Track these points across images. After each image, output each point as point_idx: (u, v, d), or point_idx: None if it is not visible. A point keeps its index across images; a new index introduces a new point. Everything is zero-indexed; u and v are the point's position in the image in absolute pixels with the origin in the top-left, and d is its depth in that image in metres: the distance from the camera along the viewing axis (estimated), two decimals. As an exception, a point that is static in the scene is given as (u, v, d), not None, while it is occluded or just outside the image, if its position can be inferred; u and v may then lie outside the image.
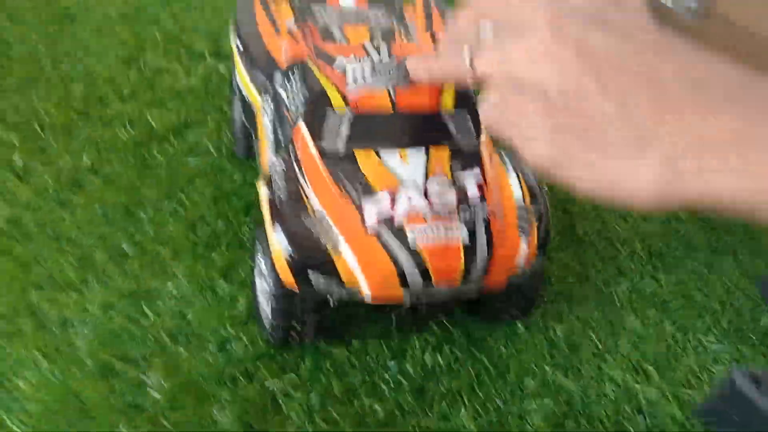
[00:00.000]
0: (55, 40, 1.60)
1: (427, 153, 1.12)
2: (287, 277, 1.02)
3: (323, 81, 1.13)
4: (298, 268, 1.01)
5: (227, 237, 1.28)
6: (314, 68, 1.14)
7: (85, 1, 1.74)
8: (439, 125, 1.16)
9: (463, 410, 1.10)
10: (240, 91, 1.32)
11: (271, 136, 1.19)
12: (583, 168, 0.46)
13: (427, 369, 1.15)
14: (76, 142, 1.38)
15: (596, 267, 1.38)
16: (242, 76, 1.29)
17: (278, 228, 1.02)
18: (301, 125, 1.12)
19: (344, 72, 1.14)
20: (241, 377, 1.08)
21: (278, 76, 1.20)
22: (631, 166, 0.38)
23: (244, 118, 1.33)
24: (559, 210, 1.48)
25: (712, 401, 1.12)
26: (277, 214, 1.04)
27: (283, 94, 1.18)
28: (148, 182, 1.34)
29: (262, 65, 1.24)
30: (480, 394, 1.14)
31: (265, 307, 1.12)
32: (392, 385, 1.12)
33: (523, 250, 1.09)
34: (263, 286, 1.12)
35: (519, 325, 1.25)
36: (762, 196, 0.31)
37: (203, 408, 1.03)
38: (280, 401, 1.05)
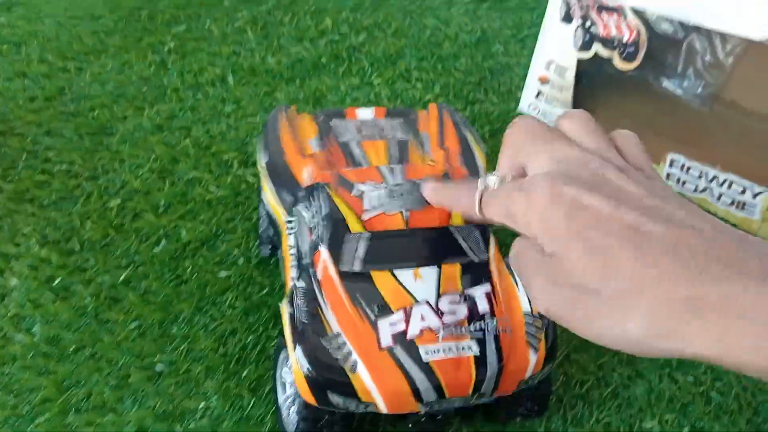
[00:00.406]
0: (93, 154, 1.71)
1: (439, 270, 1.19)
2: (307, 395, 1.07)
3: (342, 207, 1.21)
4: (317, 387, 1.06)
5: (256, 351, 1.34)
6: (333, 194, 1.22)
7: (122, 111, 1.85)
8: (450, 241, 1.23)
9: None
10: (265, 206, 1.40)
11: (294, 255, 1.26)
12: (577, 322, 0.51)
13: (449, 485, 1.19)
14: (113, 257, 1.47)
15: (615, 369, 1.41)
16: (267, 192, 1.37)
17: (299, 348, 1.08)
18: (322, 249, 1.19)
19: (361, 196, 1.22)
20: (270, 497, 1.12)
21: (300, 197, 1.28)
22: (619, 325, 0.43)
23: (269, 227, 1.41)
24: (575, 308, 1.52)
25: None
26: (297, 334, 1.10)
27: (305, 215, 1.26)
28: (181, 296, 1.41)
29: (287, 185, 1.32)
30: (502, 508, 1.16)
31: (286, 417, 1.18)
32: (416, 502, 1.15)
33: (531, 362, 1.14)
34: (285, 396, 1.18)
35: (539, 430, 1.28)
36: (740, 359, 0.33)
37: None
38: None
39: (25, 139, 1.73)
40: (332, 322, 1.12)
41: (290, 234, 1.29)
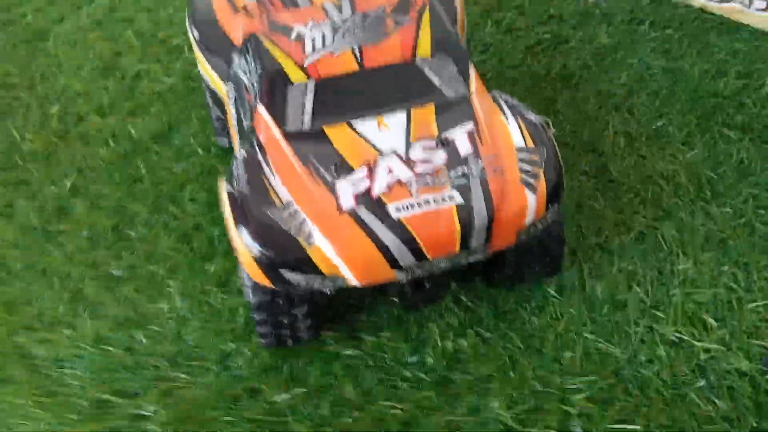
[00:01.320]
0: (29, 63, 1.54)
1: (409, 114, 1.00)
2: (260, 277, 0.92)
3: (278, 55, 1.01)
4: (270, 266, 0.91)
5: (224, 243, 1.18)
6: (267, 43, 1.02)
7: (58, 12, 1.66)
8: (418, 77, 1.03)
9: (494, 399, 0.98)
10: (208, 85, 1.22)
11: (236, 125, 1.08)
12: None
13: (451, 357, 1.04)
14: (58, 167, 1.32)
15: (637, 210, 1.21)
16: (203, 66, 1.19)
17: (242, 226, 0.92)
18: (260, 108, 1.01)
19: (301, 40, 1.03)
20: (245, 395, 0.99)
21: (235, 58, 1.09)
22: None
23: (218, 110, 1.23)
24: (587, 151, 1.32)
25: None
26: (239, 211, 0.94)
27: (243, 77, 1.06)
28: (136, 197, 1.27)
29: (221, 49, 1.13)
30: (514, 376, 1.01)
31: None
32: (413, 382, 1.01)
33: (530, 203, 0.96)
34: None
35: (550, 288, 1.11)
36: None
37: (208, 435, 0.96)
38: (288, 417, 0.96)
39: (-45, 55, 1.56)
40: (281, 190, 0.95)
41: (231, 103, 1.11)
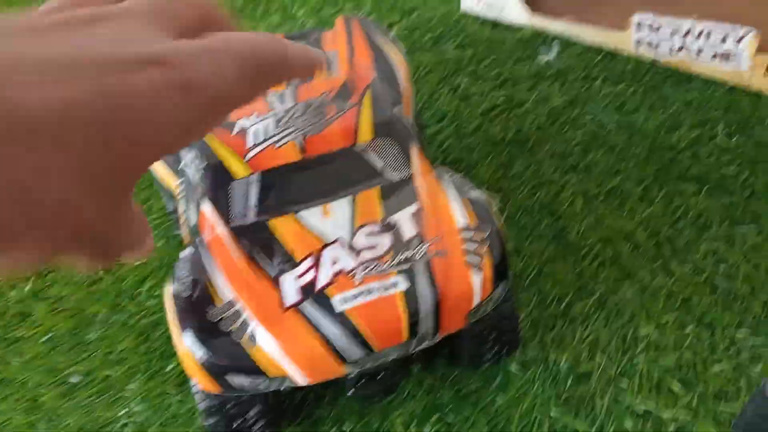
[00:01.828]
0: None
1: (353, 200, 0.99)
2: (206, 383, 0.90)
3: (220, 150, 1.02)
4: (213, 371, 0.89)
5: (181, 338, 1.17)
6: (209, 138, 1.03)
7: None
8: (361, 162, 1.03)
9: (459, 489, 0.95)
10: (159, 183, 1.22)
11: (184, 226, 1.08)
12: None
13: (414, 444, 1.01)
14: (18, 270, 1.31)
15: (597, 274, 1.20)
16: (155, 165, 1.19)
17: (183, 330, 0.91)
18: (204, 205, 1.01)
19: (244, 134, 1.03)
20: (204, 505, 0.97)
21: (184, 154, 1.10)
22: None
23: (171, 205, 1.23)
24: (546, 214, 1.31)
25: (747, 415, 0.92)
26: (182, 315, 0.92)
27: (189, 173, 1.07)
28: (95, 297, 1.25)
29: None
30: (479, 462, 0.99)
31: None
32: (375, 477, 0.98)
33: (476, 284, 0.94)
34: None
35: (513, 364, 1.09)
36: None
37: None
38: None
39: None
40: (223, 289, 0.94)
41: (181, 199, 1.11)
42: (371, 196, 1.01)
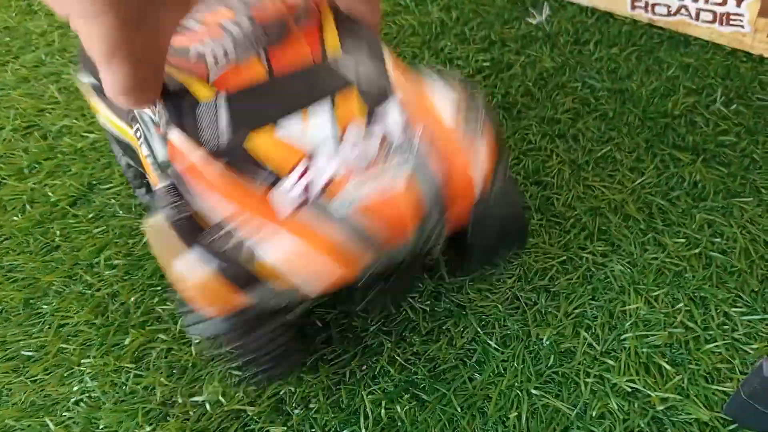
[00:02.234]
0: (-52, 127, 1.46)
1: (333, 100, 0.90)
2: (217, 303, 0.83)
3: (179, 76, 0.93)
4: (227, 284, 0.81)
5: (139, 312, 1.10)
6: (168, 69, 0.94)
7: (-17, 72, 1.59)
8: (332, 74, 0.94)
9: (431, 473, 0.89)
10: (112, 134, 1.14)
11: (154, 164, 0.99)
12: None
13: (386, 426, 0.94)
14: (-30, 238, 1.23)
15: (584, 246, 1.13)
16: (103, 113, 1.10)
17: (193, 248, 0.83)
18: (172, 135, 0.91)
19: (202, 57, 0.94)
20: (158, 488, 0.90)
21: None
22: None
23: (127, 157, 1.15)
24: (531, 183, 1.23)
25: (741, 396, 0.86)
26: (184, 234, 0.84)
27: (148, 113, 0.98)
28: (50, 267, 1.18)
29: None
30: (454, 444, 0.92)
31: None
32: (341, 459, 0.92)
33: (476, 171, 0.86)
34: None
35: (492, 341, 1.02)
36: None
37: None
38: None
39: None
40: (209, 213, 0.85)
41: (141, 143, 1.02)
42: (350, 94, 0.91)
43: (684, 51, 1.45)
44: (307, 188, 0.84)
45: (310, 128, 0.89)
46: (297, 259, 0.82)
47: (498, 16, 1.59)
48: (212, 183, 0.88)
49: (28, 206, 1.28)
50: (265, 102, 0.91)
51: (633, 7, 1.52)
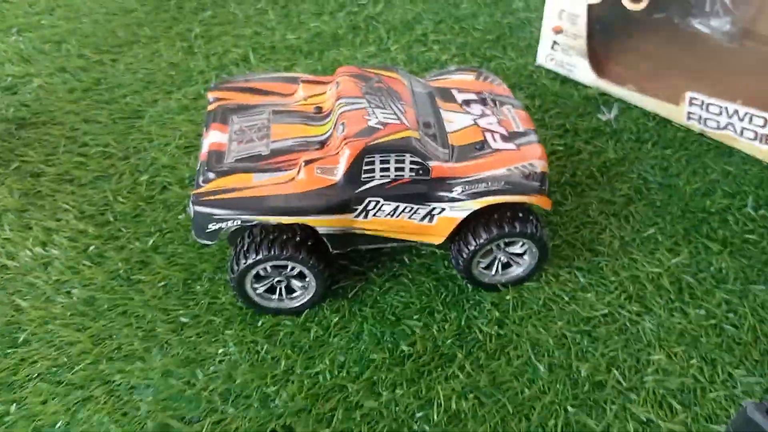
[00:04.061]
0: (125, 136, 1.84)
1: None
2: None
3: None
4: None
5: (271, 302, 1.42)
6: None
7: (152, 96, 1.98)
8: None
9: (485, 453, 1.18)
10: None
11: None
12: None
13: (453, 415, 1.24)
14: (143, 226, 1.58)
15: (623, 305, 1.41)
16: None
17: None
18: None
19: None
20: (281, 430, 1.21)
21: None
22: None
23: None
24: (586, 250, 1.53)
25: (731, 430, 1.13)
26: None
27: None
28: (203, 258, 1.52)
29: None
30: (503, 437, 1.21)
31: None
32: (418, 432, 1.21)
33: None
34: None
35: (541, 366, 1.31)
36: None
37: (248, 460, 1.17)
38: (314, 451, 1.17)
39: (65, 127, 1.88)
40: None
41: None
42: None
43: (726, 160, 1.74)
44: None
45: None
46: None
47: (574, 109, 1.91)
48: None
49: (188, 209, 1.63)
50: None
51: (688, 118, 1.82)
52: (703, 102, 1.77)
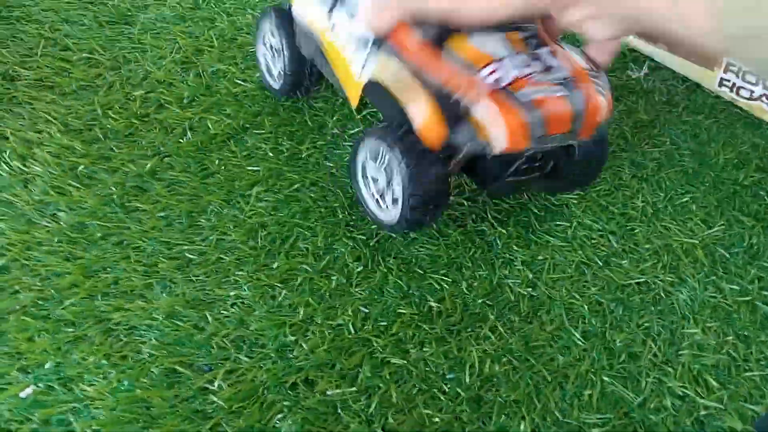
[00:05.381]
0: (113, 44, 1.63)
1: (504, 35, 1.22)
2: (437, 130, 1.15)
3: None
4: (449, 120, 1.14)
5: (287, 245, 1.29)
6: None
7: (142, 0, 1.76)
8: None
9: (521, 422, 1.10)
10: (294, 32, 1.40)
11: (355, 39, 1.26)
12: None
13: (485, 379, 1.16)
14: (138, 148, 1.41)
15: (657, 275, 1.35)
16: (304, 7, 1.35)
17: (419, 99, 1.15)
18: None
19: None
20: (301, 385, 1.10)
21: None
22: None
23: (295, 56, 1.44)
24: (618, 214, 1.45)
25: (776, 417, 1.09)
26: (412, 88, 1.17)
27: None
28: (209, 188, 1.37)
29: None
30: (539, 405, 1.14)
31: (378, 208, 1.31)
32: (450, 396, 1.12)
33: (603, 106, 1.19)
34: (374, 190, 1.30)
35: (577, 334, 1.24)
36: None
37: (265, 416, 1.06)
38: (340, 410, 1.07)
39: (43, 26, 1.65)
40: (433, 78, 1.14)
41: (341, 31, 1.27)
42: (515, 35, 1.22)
43: (756, 132, 1.69)
44: (497, 81, 1.15)
45: (489, 44, 1.20)
46: (498, 120, 1.13)
47: (602, 64, 1.81)
48: (432, 58, 1.15)
49: (189, 132, 1.46)
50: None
51: (720, 84, 1.75)
52: (739, 69, 1.70)
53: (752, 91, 1.70)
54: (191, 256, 1.25)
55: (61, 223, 1.26)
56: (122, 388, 1.06)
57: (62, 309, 1.14)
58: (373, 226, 1.35)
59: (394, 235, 1.34)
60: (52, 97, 1.49)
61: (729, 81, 1.73)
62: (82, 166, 1.36)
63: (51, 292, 1.17)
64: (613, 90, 1.19)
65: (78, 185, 1.33)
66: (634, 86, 1.75)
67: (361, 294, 1.24)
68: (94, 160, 1.38)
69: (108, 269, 1.21)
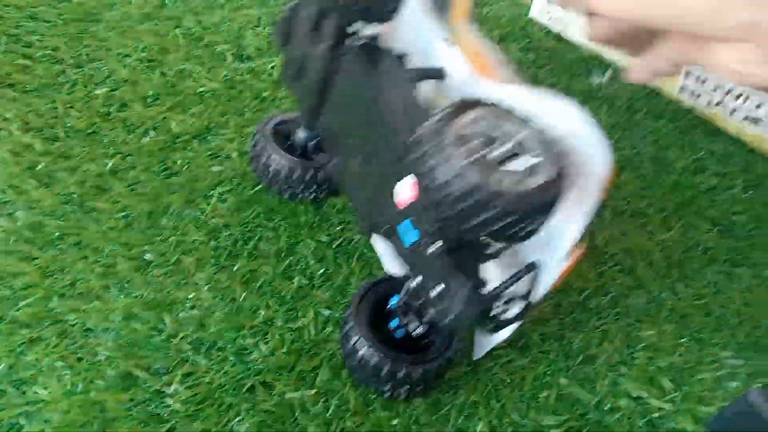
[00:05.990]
0: (77, 41, 1.61)
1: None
2: None
3: None
4: None
5: (249, 246, 1.29)
6: None
7: None
8: None
9: (479, 423, 1.12)
10: None
11: None
12: None
13: (445, 382, 1.16)
14: (99, 146, 1.40)
15: (615, 278, 1.38)
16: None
17: None
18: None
19: None
20: (259, 388, 1.10)
21: None
22: None
23: None
24: (577, 218, 1.47)
25: (725, 417, 1.12)
26: None
27: None
28: (171, 189, 1.35)
29: None
30: (497, 406, 1.15)
31: None
32: (408, 399, 1.13)
33: None
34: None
35: (534, 335, 1.25)
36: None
37: (223, 419, 1.06)
38: (298, 413, 1.07)
39: (5, 22, 1.62)
40: None
41: None
42: None
43: (713, 139, 1.73)
44: None
45: None
46: None
47: (567, 68, 1.84)
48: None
49: (152, 131, 1.45)
50: None
51: (680, 91, 1.78)
52: (699, 77, 1.74)
53: (711, 98, 1.73)
54: (150, 257, 1.24)
55: (18, 222, 1.24)
56: (77, 390, 1.04)
57: (17, 310, 1.12)
58: (337, 228, 1.35)
59: (356, 238, 1.34)
60: (12, 94, 1.46)
61: (689, 87, 1.76)
62: (42, 165, 1.34)
63: (6, 292, 1.15)
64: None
65: (37, 184, 1.31)
66: (595, 92, 1.78)
67: (322, 296, 1.24)
68: (54, 159, 1.36)
69: (65, 270, 1.20)
